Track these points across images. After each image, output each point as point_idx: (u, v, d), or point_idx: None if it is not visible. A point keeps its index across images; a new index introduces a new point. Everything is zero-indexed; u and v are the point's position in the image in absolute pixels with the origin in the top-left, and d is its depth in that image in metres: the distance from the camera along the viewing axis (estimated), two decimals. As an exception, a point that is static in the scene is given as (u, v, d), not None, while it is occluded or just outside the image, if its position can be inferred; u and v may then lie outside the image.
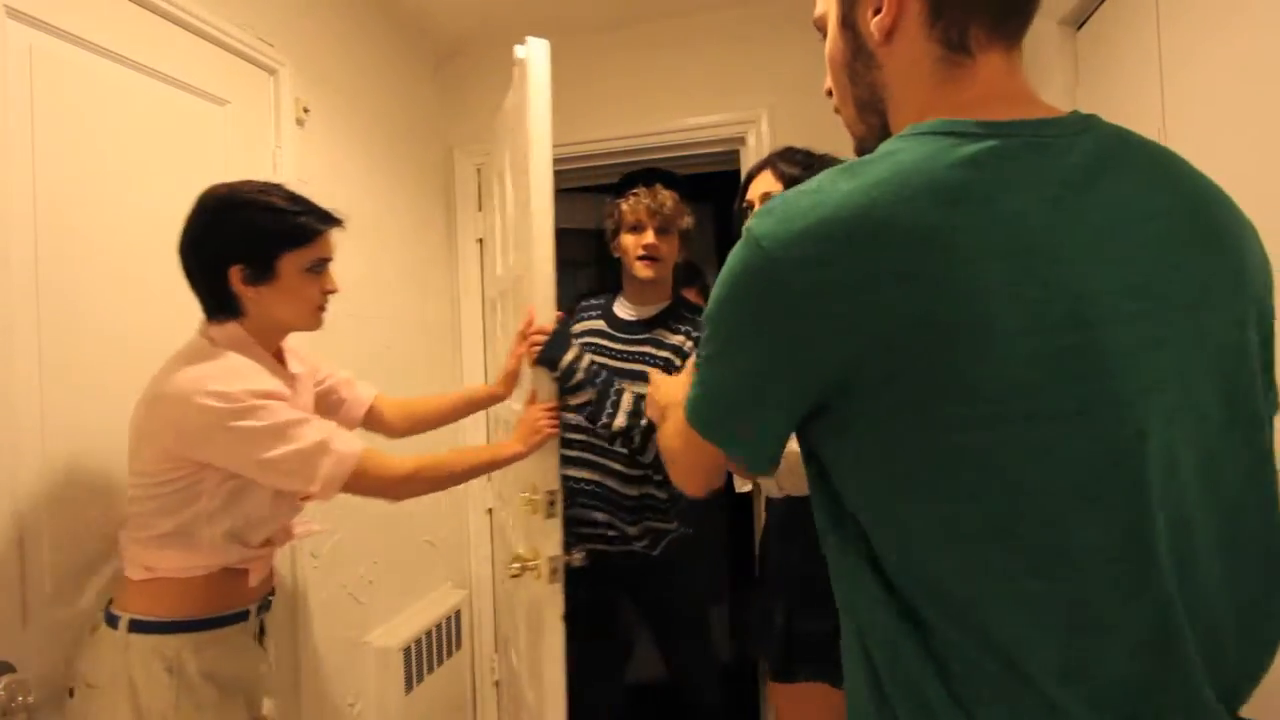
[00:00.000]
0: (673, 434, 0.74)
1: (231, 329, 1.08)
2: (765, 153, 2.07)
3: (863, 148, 0.68)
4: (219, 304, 1.07)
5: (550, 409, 1.42)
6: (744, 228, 0.56)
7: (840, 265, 0.50)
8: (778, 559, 1.39)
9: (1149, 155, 0.59)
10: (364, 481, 1.09)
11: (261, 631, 1.19)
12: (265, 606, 1.19)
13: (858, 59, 0.64)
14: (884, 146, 0.57)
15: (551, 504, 1.41)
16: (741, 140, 2.15)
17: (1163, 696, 0.51)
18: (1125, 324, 0.50)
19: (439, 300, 2.30)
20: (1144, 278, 0.52)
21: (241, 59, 1.49)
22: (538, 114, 1.42)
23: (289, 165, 1.61)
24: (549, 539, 1.40)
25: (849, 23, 0.63)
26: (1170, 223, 0.55)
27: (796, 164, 1.35)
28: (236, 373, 1.02)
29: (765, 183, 1.36)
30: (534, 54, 1.45)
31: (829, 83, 0.70)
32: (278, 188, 1.09)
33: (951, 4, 0.57)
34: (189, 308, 1.08)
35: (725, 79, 2.15)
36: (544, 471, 1.42)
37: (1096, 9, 1.36)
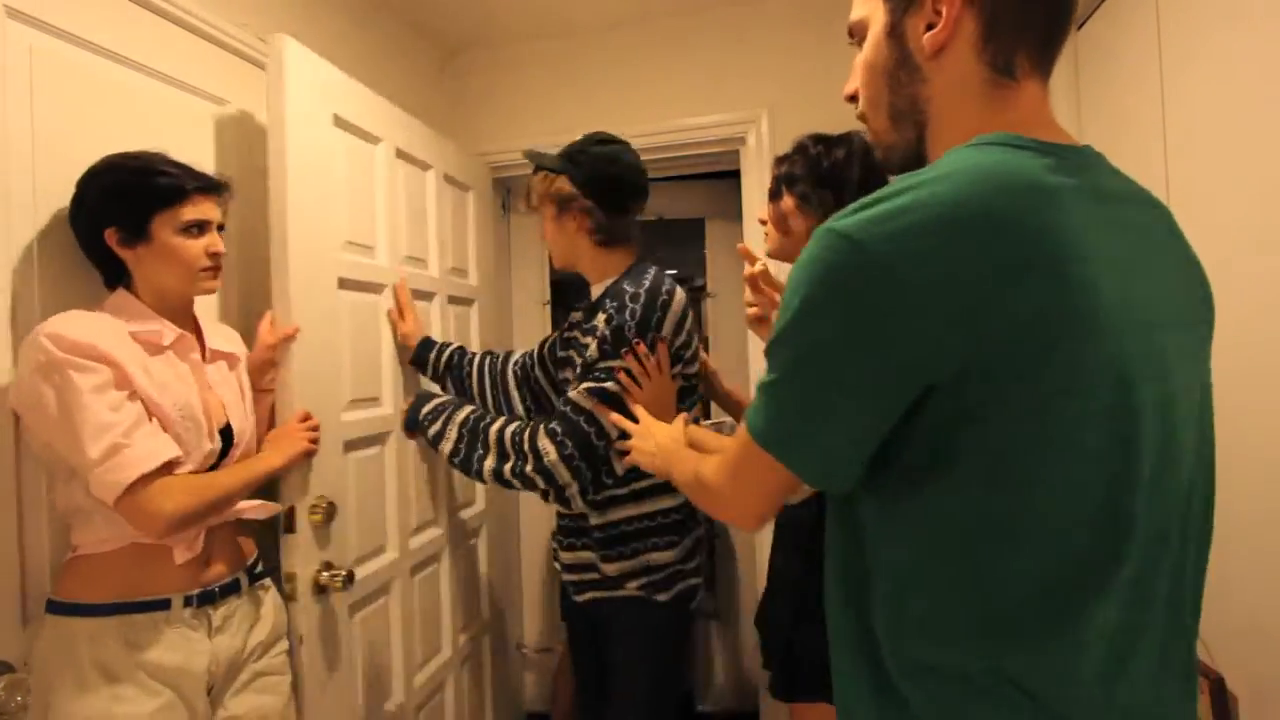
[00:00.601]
0: (718, 469, 0.73)
1: (118, 295, 1.09)
2: (765, 153, 2.09)
3: (888, 157, 0.69)
4: (108, 272, 1.09)
5: (312, 422, 1.32)
6: (824, 230, 0.55)
7: (958, 259, 0.51)
8: (780, 569, 1.38)
9: (1144, 192, 0.66)
10: (131, 512, 0.97)
11: (227, 622, 1.12)
12: (211, 596, 1.10)
13: (902, 69, 0.64)
14: (958, 154, 0.58)
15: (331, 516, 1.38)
16: (741, 140, 2.15)
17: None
18: (1171, 330, 0.58)
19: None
20: (1170, 294, 0.59)
21: (241, 58, 1.49)
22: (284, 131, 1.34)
23: (274, 158, 1.60)
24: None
25: (897, 32, 0.64)
26: (1173, 248, 0.63)
27: (797, 156, 1.29)
28: (83, 321, 0.99)
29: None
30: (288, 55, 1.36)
31: (853, 87, 0.70)
32: (157, 155, 1.09)
33: (1004, 30, 0.60)
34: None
35: (725, 79, 2.15)
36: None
37: (1096, 9, 1.36)
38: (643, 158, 2.21)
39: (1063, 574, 0.54)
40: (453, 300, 2.03)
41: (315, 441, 1.32)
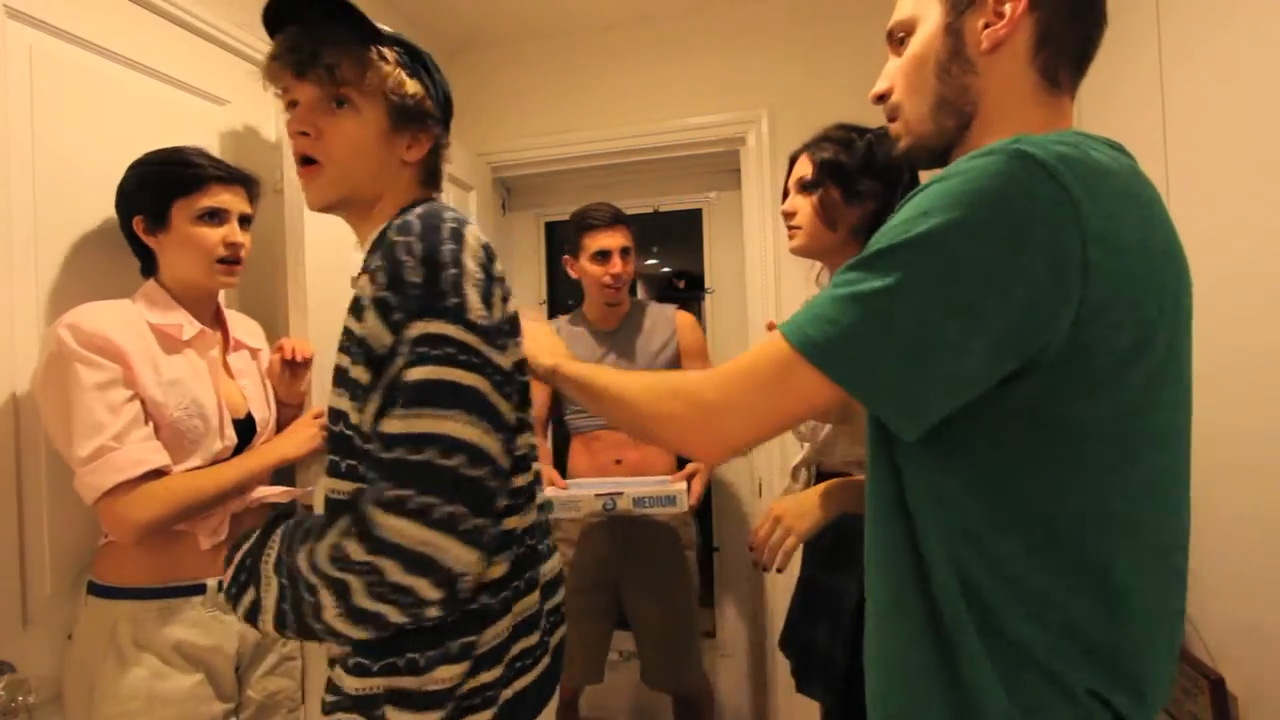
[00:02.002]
0: (724, 378, 0.64)
1: (149, 285, 1.12)
2: (765, 153, 2.09)
3: (918, 146, 0.70)
4: (142, 262, 1.13)
5: (323, 420, 1.27)
6: (1015, 151, 0.52)
7: (1125, 222, 0.55)
8: (834, 588, 1.26)
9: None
10: (105, 515, 0.98)
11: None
12: None
13: (954, 61, 0.66)
14: (1057, 135, 0.57)
15: None
16: (741, 140, 2.15)
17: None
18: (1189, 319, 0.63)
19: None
20: (1182, 287, 0.62)
21: (241, 58, 1.49)
22: None
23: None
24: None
25: (954, 29, 0.66)
26: (1177, 247, 0.64)
27: (833, 144, 1.20)
28: (103, 312, 1.01)
29: (802, 166, 1.23)
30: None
31: (885, 87, 0.72)
32: (189, 148, 1.13)
33: (1054, 41, 0.64)
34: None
35: (725, 79, 2.15)
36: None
37: (1096, 9, 1.36)
38: (642, 157, 2.24)
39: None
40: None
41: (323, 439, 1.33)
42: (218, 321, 1.21)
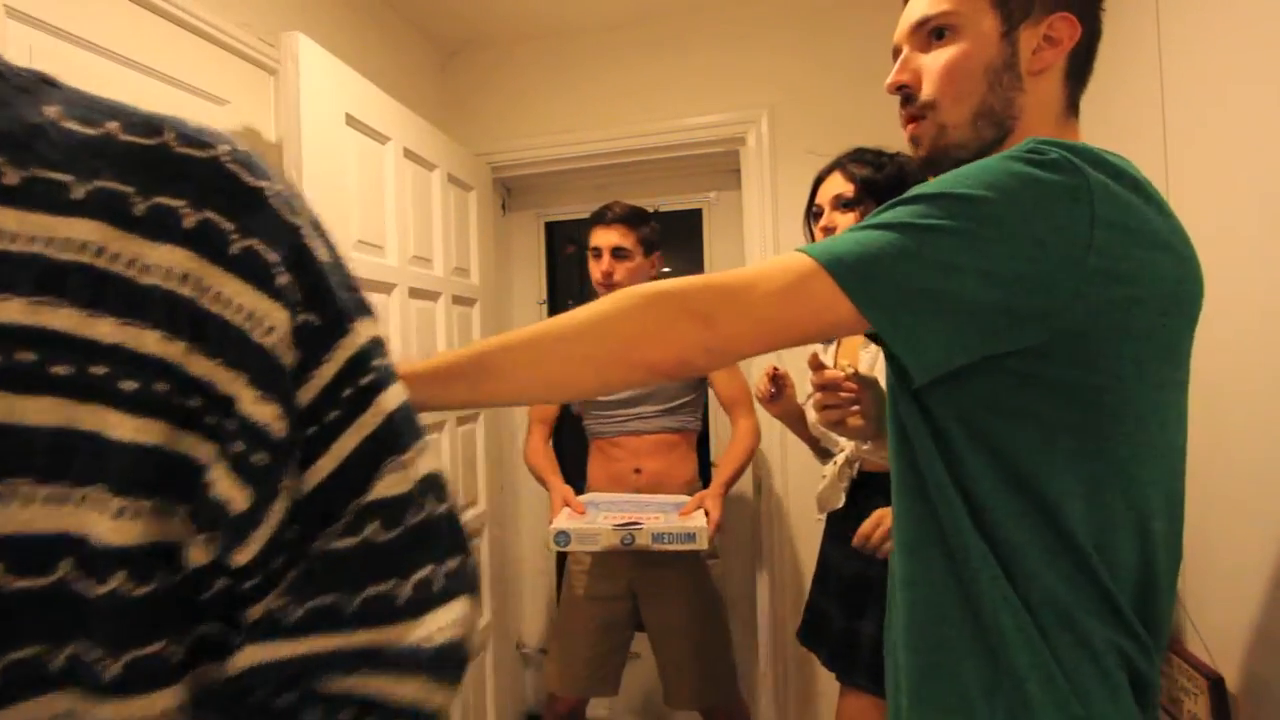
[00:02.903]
0: (742, 280, 0.60)
1: None
2: (765, 153, 2.09)
3: (948, 151, 0.69)
4: None
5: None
6: (1048, 144, 0.58)
7: (1142, 219, 0.58)
8: (828, 552, 1.42)
9: None
10: None
11: None
12: None
13: (1007, 72, 0.67)
14: (1071, 143, 0.60)
15: None
16: (741, 140, 2.15)
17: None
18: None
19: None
20: (1186, 275, 0.64)
21: (241, 59, 1.49)
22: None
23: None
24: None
25: (1012, 39, 0.66)
26: (1182, 241, 0.66)
27: (867, 164, 1.32)
28: None
29: (836, 184, 1.33)
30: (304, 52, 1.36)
31: (905, 77, 0.70)
32: None
33: (1079, 71, 0.69)
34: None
35: (725, 79, 2.15)
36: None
37: (1096, 9, 1.36)
38: (643, 157, 2.24)
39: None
40: (456, 300, 2.03)
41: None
42: None
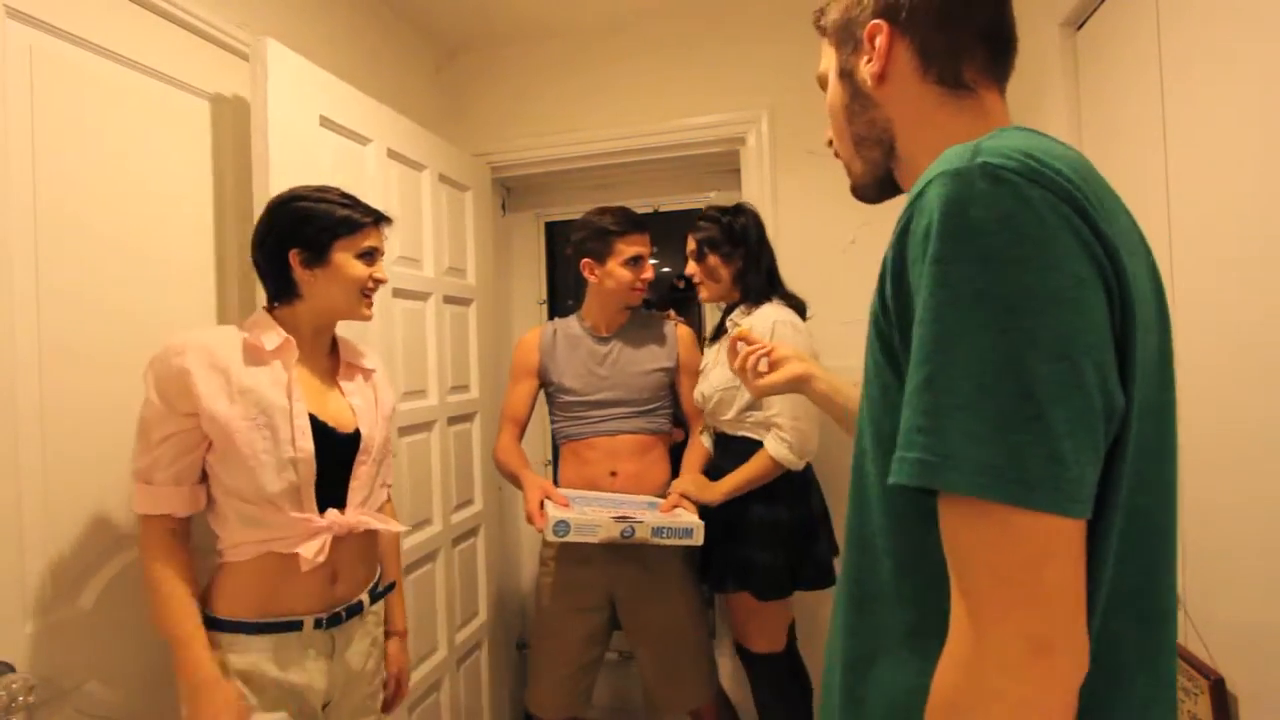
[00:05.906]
0: (970, 622, 0.46)
1: (259, 312, 1.18)
2: (765, 153, 2.09)
3: (861, 183, 0.75)
4: (278, 289, 1.19)
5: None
6: (976, 166, 0.47)
7: (1104, 203, 0.52)
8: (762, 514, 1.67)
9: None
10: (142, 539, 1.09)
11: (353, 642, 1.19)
12: (337, 619, 1.17)
13: (854, 101, 0.71)
14: (1008, 135, 0.53)
15: None
16: (741, 140, 2.15)
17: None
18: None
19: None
20: (1153, 285, 0.59)
21: (241, 58, 1.49)
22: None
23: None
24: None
25: (846, 72, 0.71)
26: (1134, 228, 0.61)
27: (708, 222, 1.75)
28: (201, 333, 1.10)
29: (690, 243, 1.78)
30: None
31: (830, 133, 0.77)
32: (332, 188, 1.21)
33: (937, 53, 0.65)
34: (188, 300, 1.08)
35: (725, 79, 2.15)
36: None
37: (1096, 9, 1.36)
38: (643, 157, 2.24)
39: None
40: (449, 300, 2.03)
41: None
42: (331, 347, 1.27)
